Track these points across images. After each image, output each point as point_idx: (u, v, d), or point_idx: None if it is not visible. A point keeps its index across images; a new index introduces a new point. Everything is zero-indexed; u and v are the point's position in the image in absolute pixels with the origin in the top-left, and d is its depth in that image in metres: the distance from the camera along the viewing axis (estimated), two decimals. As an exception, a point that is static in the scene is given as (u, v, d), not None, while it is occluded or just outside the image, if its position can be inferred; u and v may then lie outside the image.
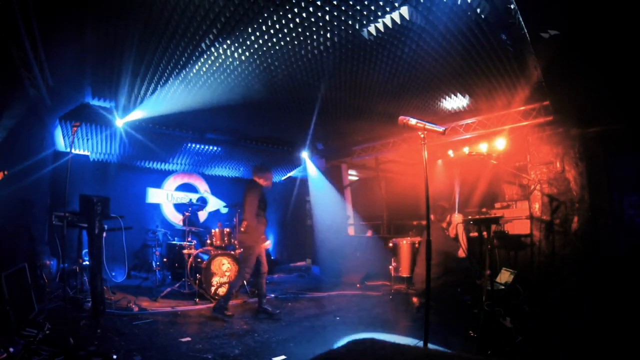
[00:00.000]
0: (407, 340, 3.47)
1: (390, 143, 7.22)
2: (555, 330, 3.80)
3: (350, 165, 8.76)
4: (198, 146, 7.24)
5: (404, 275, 5.51)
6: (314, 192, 8.80)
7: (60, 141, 6.28)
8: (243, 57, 4.22)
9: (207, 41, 3.87)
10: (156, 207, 7.98)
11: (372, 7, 3.37)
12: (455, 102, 5.44)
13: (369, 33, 3.71)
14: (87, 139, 6.35)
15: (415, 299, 4.75)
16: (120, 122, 6.00)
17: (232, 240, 5.69)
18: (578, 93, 4.36)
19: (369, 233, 8.03)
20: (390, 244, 5.79)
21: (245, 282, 5.45)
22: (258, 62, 4.33)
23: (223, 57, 4.19)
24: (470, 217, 4.37)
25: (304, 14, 3.46)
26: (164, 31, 3.70)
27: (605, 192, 5.03)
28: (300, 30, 3.70)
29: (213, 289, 5.13)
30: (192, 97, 5.43)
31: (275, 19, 3.52)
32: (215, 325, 3.99)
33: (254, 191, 4.42)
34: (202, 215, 8.40)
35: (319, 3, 3.30)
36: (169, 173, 8.18)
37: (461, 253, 4.59)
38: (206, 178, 8.65)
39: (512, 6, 3.25)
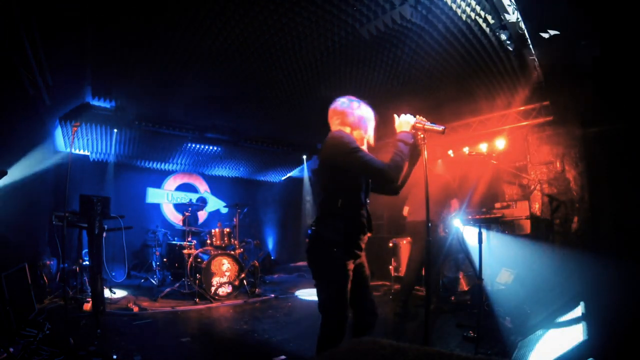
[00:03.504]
0: (407, 340, 3.47)
1: (390, 143, 7.21)
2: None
3: (350, 165, 8.75)
4: (198, 146, 7.24)
5: (403, 275, 5.50)
6: (314, 191, 8.81)
7: (60, 141, 6.28)
8: (243, 57, 4.22)
9: (208, 41, 3.87)
10: (156, 207, 7.98)
11: (372, 7, 3.37)
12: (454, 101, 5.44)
13: (369, 33, 3.71)
14: (87, 139, 6.35)
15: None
16: (120, 122, 5.99)
17: (232, 240, 5.69)
18: (578, 93, 4.37)
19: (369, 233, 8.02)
20: (390, 244, 5.79)
21: (245, 282, 5.45)
22: (258, 61, 4.33)
23: (223, 56, 4.18)
24: (470, 217, 4.37)
25: (304, 14, 3.46)
26: (165, 31, 3.69)
27: (605, 192, 5.03)
28: (300, 30, 3.70)
29: (213, 289, 5.13)
30: (192, 97, 5.44)
31: (275, 18, 3.52)
32: (215, 325, 3.99)
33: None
34: (202, 215, 8.40)
35: (319, 3, 3.30)
36: (169, 173, 8.18)
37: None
38: (206, 178, 8.65)
39: (511, 7, 3.25)
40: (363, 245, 2.20)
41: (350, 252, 2.08)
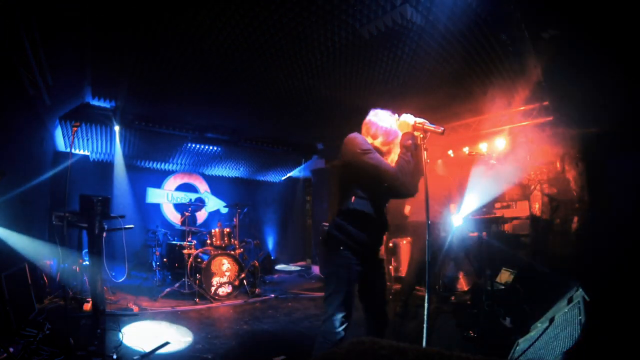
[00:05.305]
0: (407, 340, 3.47)
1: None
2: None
3: (350, 165, 8.77)
4: (198, 146, 7.24)
5: (404, 275, 5.51)
6: (314, 191, 8.82)
7: (60, 141, 6.28)
8: (243, 57, 4.22)
9: (208, 41, 3.87)
10: (156, 207, 7.98)
11: (372, 7, 3.37)
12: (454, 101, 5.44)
13: (369, 33, 3.71)
14: (87, 139, 6.35)
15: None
16: (120, 122, 5.99)
17: (232, 240, 5.68)
18: (578, 93, 4.36)
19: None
20: (390, 244, 5.79)
21: (245, 282, 5.44)
22: (258, 61, 4.32)
23: (223, 56, 4.18)
24: (470, 216, 4.37)
25: (304, 14, 3.46)
26: (164, 31, 3.69)
27: (605, 192, 5.03)
28: (300, 29, 3.70)
29: (213, 289, 5.13)
30: (192, 97, 5.43)
31: (275, 18, 3.51)
32: (215, 325, 3.99)
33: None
34: (202, 215, 8.40)
35: (319, 3, 3.30)
36: (169, 173, 8.18)
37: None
38: (206, 178, 8.65)
39: (512, 6, 3.25)
40: (376, 247, 2.22)
41: (356, 252, 2.07)
